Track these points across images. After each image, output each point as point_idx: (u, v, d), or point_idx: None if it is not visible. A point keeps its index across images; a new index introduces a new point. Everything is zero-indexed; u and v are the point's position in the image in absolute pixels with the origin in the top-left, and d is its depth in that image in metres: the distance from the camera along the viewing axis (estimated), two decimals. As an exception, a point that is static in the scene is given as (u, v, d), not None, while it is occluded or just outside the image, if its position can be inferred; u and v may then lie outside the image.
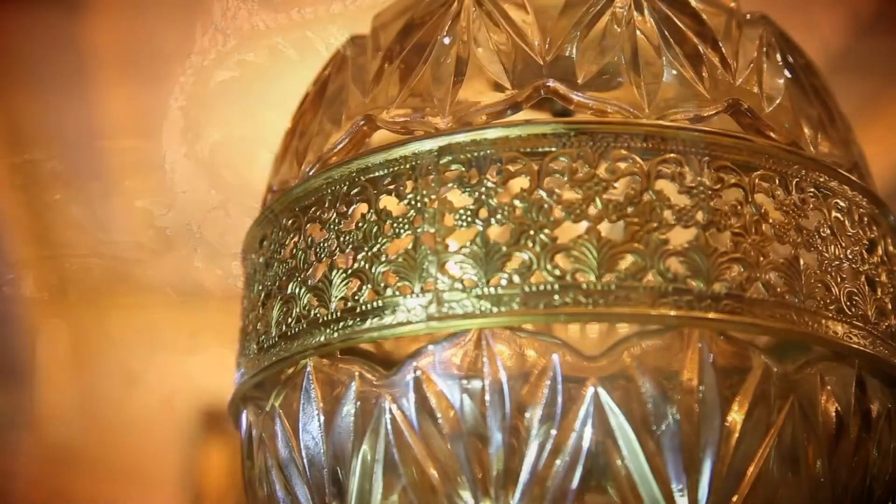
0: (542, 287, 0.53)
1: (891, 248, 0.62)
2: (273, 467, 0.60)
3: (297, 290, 0.59)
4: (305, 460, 0.58)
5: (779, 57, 0.63)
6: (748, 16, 0.64)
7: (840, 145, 0.63)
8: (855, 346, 0.56)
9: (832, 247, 0.58)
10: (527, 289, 0.53)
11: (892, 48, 2.14)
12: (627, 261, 0.53)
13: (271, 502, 0.61)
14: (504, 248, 0.54)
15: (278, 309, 0.60)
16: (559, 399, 0.53)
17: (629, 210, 0.54)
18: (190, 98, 2.41)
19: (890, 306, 0.60)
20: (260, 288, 0.63)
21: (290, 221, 0.61)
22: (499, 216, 0.55)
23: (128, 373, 2.85)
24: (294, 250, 0.60)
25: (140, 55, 2.30)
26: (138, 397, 2.84)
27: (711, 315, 0.53)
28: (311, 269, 0.59)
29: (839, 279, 0.57)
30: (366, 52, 0.65)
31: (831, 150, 0.62)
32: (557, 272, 0.53)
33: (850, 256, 0.58)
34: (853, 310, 0.57)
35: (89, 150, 2.41)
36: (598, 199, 0.54)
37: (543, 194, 0.55)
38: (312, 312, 0.58)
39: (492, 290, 0.53)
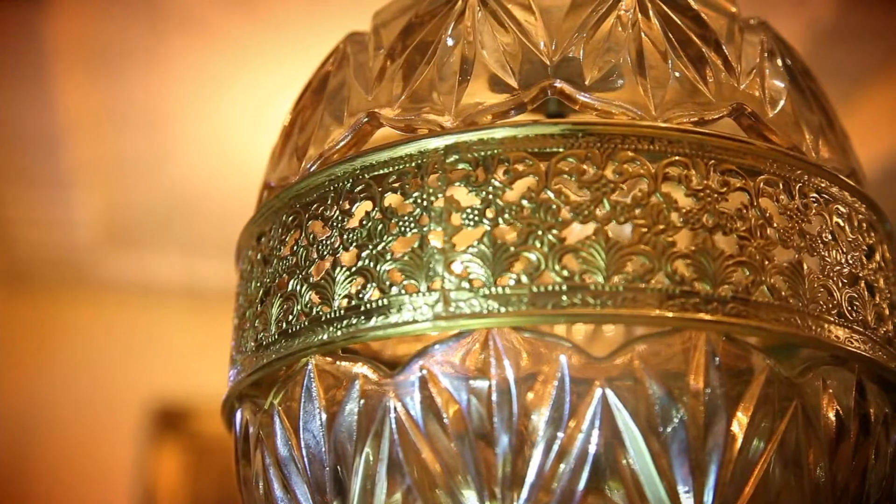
0: (550, 288, 0.53)
1: (887, 254, 0.63)
2: (271, 466, 0.60)
3: (298, 288, 0.59)
4: (306, 459, 0.57)
5: (779, 61, 0.63)
6: (752, 21, 0.65)
7: (839, 151, 0.63)
8: (856, 350, 0.57)
9: (834, 251, 0.58)
10: (535, 289, 0.53)
11: (850, 56, 2.16)
12: (635, 263, 0.53)
13: (268, 501, 0.60)
14: (512, 248, 0.54)
15: (278, 306, 0.60)
16: (567, 400, 0.53)
17: (637, 212, 0.54)
18: (152, 96, 2.39)
19: (887, 312, 0.60)
20: (258, 285, 0.62)
21: (290, 218, 0.61)
22: (506, 216, 0.54)
23: (83, 370, 2.82)
24: (295, 247, 0.60)
25: (102, 52, 2.28)
26: (92, 394, 2.82)
27: (718, 318, 0.53)
28: (312, 267, 0.59)
29: (840, 284, 0.57)
30: (366, 50, 0.65)
31: (831, 155, 0.62)
32: (566, 273, 0.53)
33: (851, 261, 0.59)
34: (854, 314, 0.57)
35: (49, 145, 2.38)
36: (605, 201, 0.54)
37: (551, 195, 0.54)
38: (315, 310, 0.57)
39: (499, 289, 0.53)
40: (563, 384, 0.53)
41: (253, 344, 0.61)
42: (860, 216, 0.61)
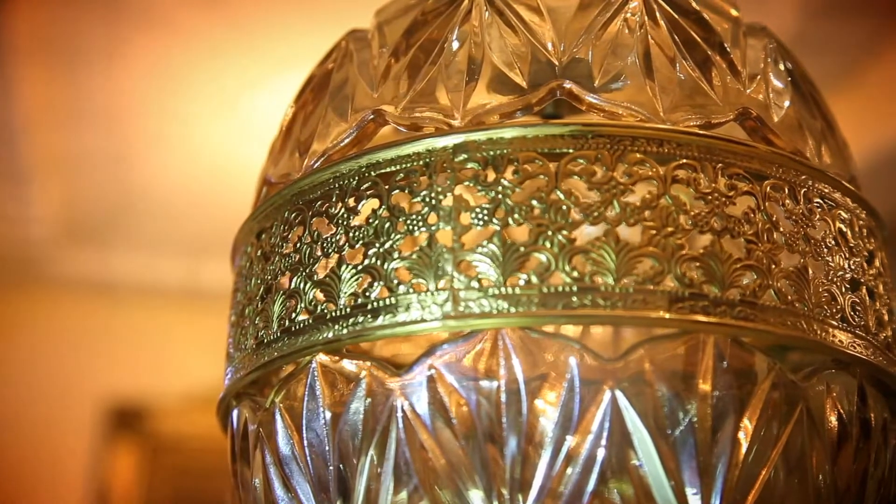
0: (560, 288, 0.53)
1: (885, 260, 0.63)
2: (272, 464, 0.59)
3: (301, 285, 0.58)
4: (309, 458, 0.57)
5: (781, 66, 0.64)
6: (754, 25, 0.65)
7: (839, 157, 0.64)
8: (858, 355, 0.57)
9: (837, 257, 0.58)
10: (545, 289, 0.53)
11: (813, 64, 2.17)
12: (645, 265, 0.53)
13: (267, 500, 0.60)
14: (522, 249, 0.54)
15: (280, 304, 0.59)
16: (576, 402, 0.53)
17: (646, 214, 0.54)
18: (113, 92, 2.37)
19: (887, 317, 0.61)
20: (258, 282, 0.62)
21: (293, 215, 0.60)
22: (516, 216, 0.54)
23: (38, 367, 2.79)
24: (298, 244, 0.59)
25: (63, 45, 2.26)
26: (47, 392, 2.79)
27: (727, 321, 0.53)
28: (316, 264, 0.58)
29: (843, 289, 0.58)
30: (369, 47, 0.64)
31: (832, 161, 0.63)
32: (576, 274, 0.53)
33: (853, 267, 0.59)
34: (856, 319, 0.58)
35: (8, 140, 2.35)
36: (615, 202, 0.54)
37: (561, 195, 0.54)
38: (319, 308, 0.57)
39: (509, 289, 0.53)
40: (572, 385, 0.53)
41: (253, 342, 0.60)
42: (861, 222, 0.61)
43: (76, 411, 2.70)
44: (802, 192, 0.58)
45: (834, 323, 0.56)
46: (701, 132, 0.57)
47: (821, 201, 0.59)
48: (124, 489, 2.67)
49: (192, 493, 2.64)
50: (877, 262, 0.62)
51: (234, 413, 0.64)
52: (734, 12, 0.64)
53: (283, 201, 0.61)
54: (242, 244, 0.65)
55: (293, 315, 0.58)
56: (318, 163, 0.61)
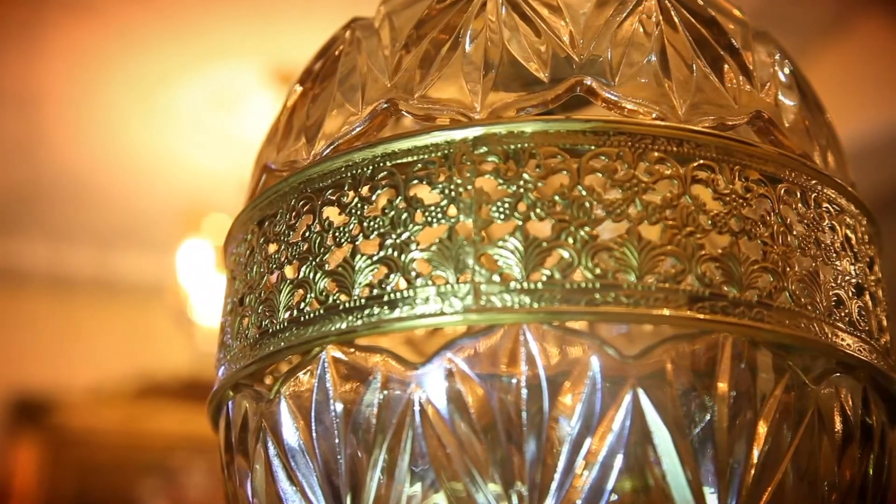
0: (583, 285, 0.53)
1: (881, 266, 0.64)
2: (276, 457, 0.58)
3: (310, 275, 0.57)
4: (318, 451, 0.56)
5: (787, 70, 0.64)
6: (762, 30, 0.66)
7: (841, 164, 0.64)
8: (865, 358, 0.58)
9: (844, 261, 0.59)
10: (568, 285, 0.53)
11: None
12: (667, 263, 0.54)
13: (269, 493, 0.58)
14: (544, 244, 0.53)
15: (287, 293, 0.58)
16: (598, 399, 0.53)
17: (667, 213, 0.54)
18: (27, 74, 2.32)
19: (885, 322, 0.62)
20: (261, 270, 0.60)
21: (301, 203, 0.59)
22: (538, 211, 0.54)
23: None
24: (307, 233, 0.58)
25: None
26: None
27: (745, 322, 0.54)
28: (328, 254, 0.57)
29: (850, 293, 0.59)
30: (378, 37, 0.63)
31: (836, 167, 0.63)
32: (598, 271, 0.53)
33: (857, 272, 0.60)
34: (861, 324, 0.58)
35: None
36: (638, 201, 0.54)
37: (584, 192, 0.54)
38: (331, 298, 0.56)
39: (532, 284, 0.53)
40: (594, 383, 0.53)
41: (255, 331, 0.59)
42: (863, 228, 0.62)
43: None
44: (813, 196, 0.59)
45: (842, 326, 0.57)
46: (721, 133, 0.57)
47: (829, 206, 0.60)
48: (26, 484, 2.60)
49: (96, 488, 2.59)
50: (876, 269, 0.63)
51: (230, 403, 0.62)
52: (741, 16, 0.65)
53: (288, 189, 0.60)
54: (240, 232, 0.64)
55: (302, 305, 0.57)
56: (327, 151, 0.60)
